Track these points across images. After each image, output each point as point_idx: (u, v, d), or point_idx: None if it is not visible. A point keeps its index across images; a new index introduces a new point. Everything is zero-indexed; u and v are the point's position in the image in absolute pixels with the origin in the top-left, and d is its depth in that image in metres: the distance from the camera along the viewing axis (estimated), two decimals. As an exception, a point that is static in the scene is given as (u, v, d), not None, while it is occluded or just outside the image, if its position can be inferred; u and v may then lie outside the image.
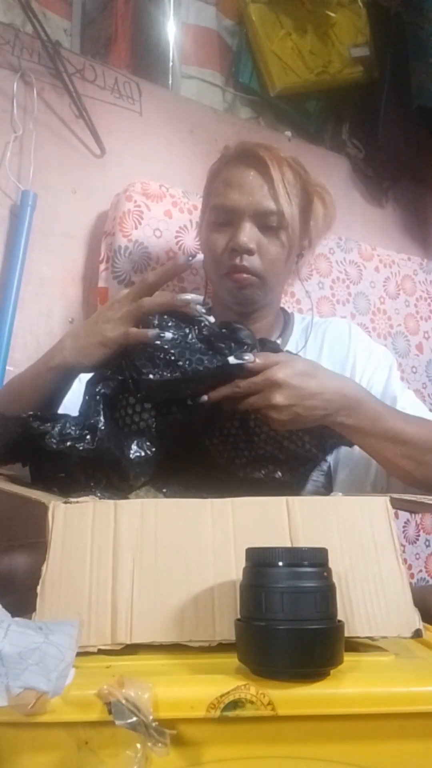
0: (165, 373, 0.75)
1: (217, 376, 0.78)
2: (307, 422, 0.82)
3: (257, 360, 0.79)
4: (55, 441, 0.72)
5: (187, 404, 0.79)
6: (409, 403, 1.01)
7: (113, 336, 0.79)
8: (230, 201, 0.98)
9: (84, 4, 1.51)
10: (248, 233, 0.96)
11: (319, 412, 0.81)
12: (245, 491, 0.62)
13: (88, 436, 0.74)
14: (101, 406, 0.77)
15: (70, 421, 0.75)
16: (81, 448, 0.73)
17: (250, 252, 0.97)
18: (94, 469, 0.76)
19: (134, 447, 0.78)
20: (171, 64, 1.60)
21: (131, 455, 0.77)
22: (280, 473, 0.88)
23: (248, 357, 0.78)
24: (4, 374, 1.23)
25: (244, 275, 0.97)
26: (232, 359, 0.78)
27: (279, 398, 0.78)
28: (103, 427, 0.75)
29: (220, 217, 0.99)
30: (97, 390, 0.78)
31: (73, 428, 0.74)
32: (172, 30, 1.60)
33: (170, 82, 1.59)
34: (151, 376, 0.76)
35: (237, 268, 0.97)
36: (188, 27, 1.63)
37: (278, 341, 1.05)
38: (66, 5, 1.49)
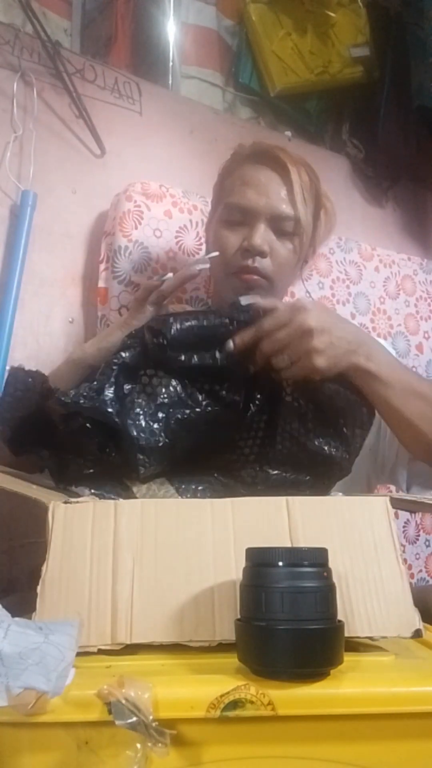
0: (185, 323, 0.76)
1: (238, 323, 0.79)
2: (340, 364, 0.80)
3: (277, 304, 0.80)
4: (64, 398, 0.73)
5: (216, 393, 0.78)
6: None
7: (128, 316, 0.84)
8: (246, 200, 0.97)
9: (84, 4, 1.51)
10: (263, 235, 0.96)
11: (346, 347, 0.80)
12: (270, 493, 0.61)
13: (95, 396, 0.73)
14: (115, 373, 0.76)
15: (84, 387, 0.75)
16: (86, 405, 0.72)
17: (263, 254, 0.96)
18: (106, 443, 0.75)
19: (143, 427, 0.75)
20: (171, 64, 1.60)
21: (137, 434, 0.75)
22: (308, 477, 0.85)
23: (252, 298, 0.80)
24: (4, 374, 1.23)
25: (254, 276, 0.96)
26: (243, 299, 0.79)
27: (317, 343, 0.78)
28: (110, 394, 0.74)
29: (234, 215, 0.98)
30: (115, 358, 0.78)
31: (86, 391, 0.74)
32: (172, 30, 1.60)
33: (170, 82, 1.59)
34: (174, 326, 0.76)
35: (248, 269, 0.96)
36: (188, 27, 1.63)
37: None
38: (66, 5, 1.49)
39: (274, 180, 0.97)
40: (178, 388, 0.79)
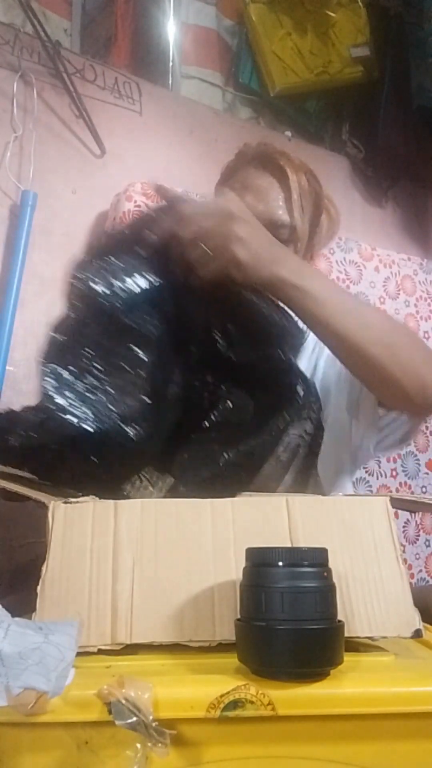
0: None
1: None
2: (262, 271, 0.75)
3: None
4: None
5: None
6: None
7: None
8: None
9: (84, 4, 1.51)
10: None
11: (269, 253, 0.75)
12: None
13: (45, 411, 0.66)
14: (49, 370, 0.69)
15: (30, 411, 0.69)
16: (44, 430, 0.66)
17: None
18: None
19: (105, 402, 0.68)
20: (171, 64, 1.60)
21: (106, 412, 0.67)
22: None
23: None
24: (4, 374, 1.23)
25: None
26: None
27: (238, 229, 0.73)
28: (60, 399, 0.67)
29: None
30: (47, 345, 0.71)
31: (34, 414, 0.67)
32: (172, 30, 1.60)
33: (170, 82, 1.59)
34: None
35: None
36: (188, 27, 1.63)
37: None
38: (66, 5, 1.49)
39: (274, 186, 0.98)
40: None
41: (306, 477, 0.92)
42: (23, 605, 0.54)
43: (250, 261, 0.74)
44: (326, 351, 0.96)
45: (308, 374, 0.94)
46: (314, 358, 1.03)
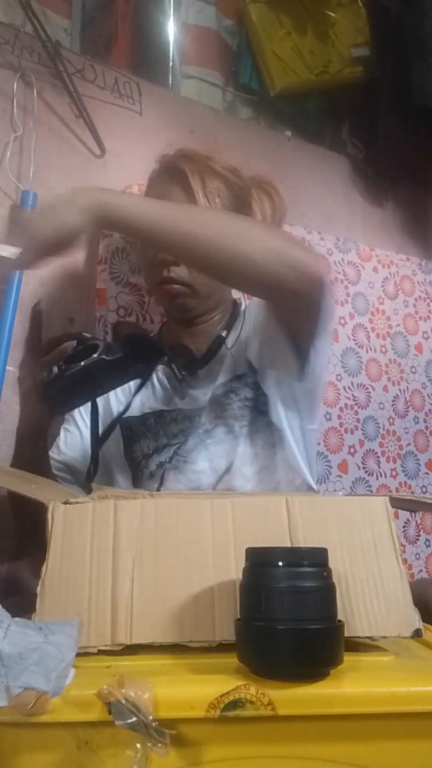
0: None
1: None
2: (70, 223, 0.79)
3: None
4: None
5: None
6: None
7: None
8: None
9: (84, 4, 1.51)
10: None
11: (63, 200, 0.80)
12: None
13: None
14: None
15: None
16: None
17: (174, 263, 0.99)
18: None
19: None
20: (171, 64, 1.60)
21: None
22: None
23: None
24: (4, 374, 1.23)
25: (174, 286, 1.00)
26: None
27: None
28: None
29: None
30: None
31: None
32: (172, 30, 1.60)
33: (170, 82, 1.59)
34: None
35: (166, 280, 1.00)
36: (188, 27, 1.63)
37: (223, 334, 1.06)
38: (66, 4, 1.49)
39: (177, 190, 1.00)
40: None
41: (266, 433, 0.98)
42: (23, 605, 0.54)
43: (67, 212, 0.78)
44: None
45: (241, 348, 1.03)
46: (244, 336, 1.06)
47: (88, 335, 1.09)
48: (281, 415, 0.99)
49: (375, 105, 1.77)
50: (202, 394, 1.04)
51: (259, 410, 0.99)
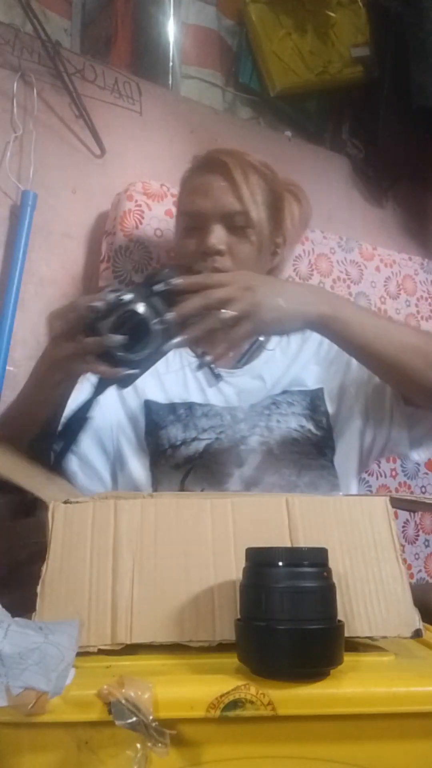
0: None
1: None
2: (296, 318, 0.81)
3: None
4: None
5: None
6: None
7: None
8: (196, 206, 1.01)
9: (84, 4, 1.51)
10: (217, 235, 0.99)
11: (301, 301, 0.81)
12: None
13: None
14: None
15: None
16: None
17: (219, 253, 0.99)
18: None
19: None
20: (171, 64, 1.60)
21: None
22: None
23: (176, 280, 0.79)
24: (4, 374, 1.23)
25: None
26: (157, 287, 0.78)
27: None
28: None
29: (189, 223, 1.03)
30: None
31: None
32: (172, 30, 1.60)
33: (170, 82, 1.59)
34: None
35: (210, 271, 0.99)
36: (188, 27, 1.63)
37: (261, 338, 1.06)
38: (66, 5, 1.49)
39: (220, 182, 1.01)
40: None
41: (318, 471, 0.97)
42: (23, 605, 0.54)
43: (285, 315, 0.80)
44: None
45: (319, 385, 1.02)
46: (295, 347, 1.08)
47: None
48: (345, 462, 1.00)
49: (375, 105, 1.77)
50: (235, 393, 1.03)
51: (319, 449, 0.99)
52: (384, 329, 0.85)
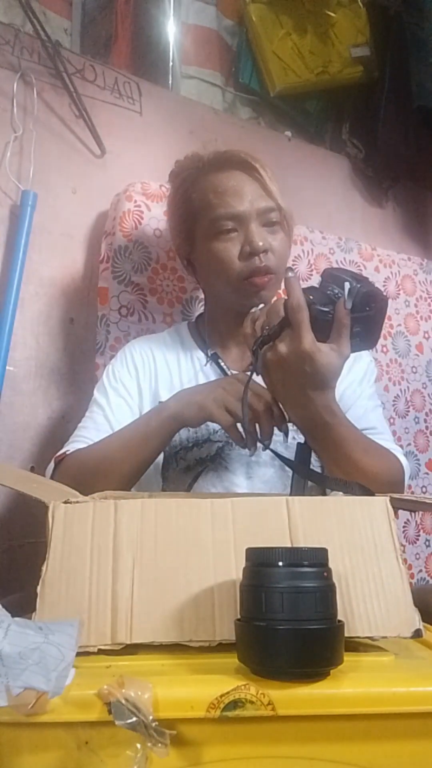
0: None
1: None
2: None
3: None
4: None
5: None
6: (377, 424, 1.03)
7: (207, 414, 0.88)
8: (231, 208, 0.98)
9: (84, 4, 1.51)
10: (259, 234, 0.98)
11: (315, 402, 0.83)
12: None
13: None
14: None
15: None
16: None
17: (266, 252, 0.98)
18: None
19: None
20: (171, 64, 1.60)
21: None
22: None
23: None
24: (4, 374, 1.23)
25: (266, 276, 0.98)
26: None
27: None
28: None
29: (224, 226, 0.99)
30: None
31: None
32: (172, 30, 1.60)
33: (170, 82, 1.59)
34: None
35: (259, 270, 0.97)
36: (188, 27, 1.63)
37: None
38: (66, 5, 1.49)
39: (248, 180, 1.00)
40: None
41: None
42: (23, 605, 0.54)
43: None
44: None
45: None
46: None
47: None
48: None
49: (375, 105, 1.77)
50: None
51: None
52: (358, 438, 0.90)
